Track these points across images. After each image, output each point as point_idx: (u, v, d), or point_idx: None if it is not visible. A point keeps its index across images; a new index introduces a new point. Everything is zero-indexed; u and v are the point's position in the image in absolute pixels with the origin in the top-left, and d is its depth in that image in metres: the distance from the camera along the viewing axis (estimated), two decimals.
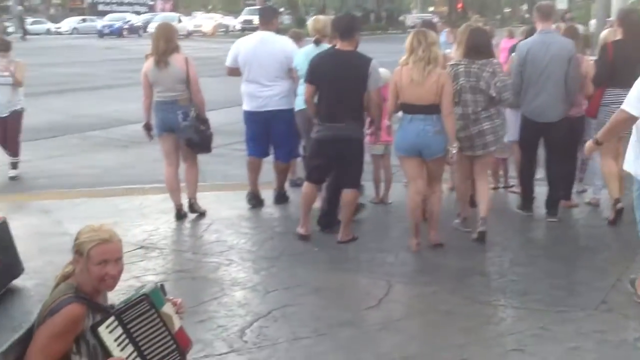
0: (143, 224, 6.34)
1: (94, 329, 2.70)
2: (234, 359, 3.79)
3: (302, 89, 6.51)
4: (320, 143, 5.78)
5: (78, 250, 2.76)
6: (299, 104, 6.75)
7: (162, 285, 3.15)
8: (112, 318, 2.78)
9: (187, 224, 6.37)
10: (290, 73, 6.91)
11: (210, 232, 6.12)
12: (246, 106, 7.00)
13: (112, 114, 13.29)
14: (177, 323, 3.02)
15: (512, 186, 7.36)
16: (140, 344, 2.84)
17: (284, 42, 7.05)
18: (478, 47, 5.86)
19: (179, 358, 2.92)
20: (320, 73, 5.73)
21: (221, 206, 6.98)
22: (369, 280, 5.00)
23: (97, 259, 2.73)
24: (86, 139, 11.27)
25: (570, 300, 4.62)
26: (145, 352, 2.84)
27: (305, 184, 6.05)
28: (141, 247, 5.67)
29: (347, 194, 5.79)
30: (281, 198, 7.22)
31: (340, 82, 5.62)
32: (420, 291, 4.81)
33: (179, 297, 4.47)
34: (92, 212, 6.70)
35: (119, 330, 2.80)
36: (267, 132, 6.98)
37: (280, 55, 6.84)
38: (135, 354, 2.82)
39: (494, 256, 5.56)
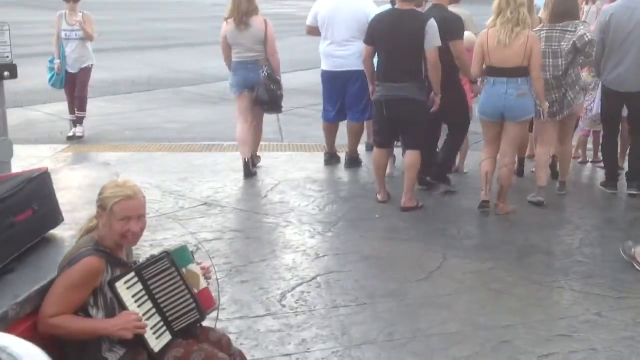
0: (212, 180, 6.42)
1: (111, 283, 2.73)
2: (268, 323, 3.76)
3: None
4: (379, 104, 5.75)
5: (101, 205, 2.77)
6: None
7: (188, 249, 3.14)
8: (132, 273, 2.81)
9: (253, 183, 6.40)
10: None
11: (274, 193, 6.12)
12: (323, 66, 6.96)
13: (208, 70, 13.49)
14: (202, 283, 3.02)
15: (600, 161, 6.94)
16: (159, 300, 2.85)
17: (365, 1, 6.89)
18: (562, 12, 5.54)
19: (197, 316, 2.91)
20: (376, 33, 5.72)
21: (292, 167, 6.98)
22: (423, 251, 4.85)
23: (120, 214, 2.72)
24: (178, 93, 11.53)
25: (636, 287, 4.31)
26: (164, 309, 2.86)
27: (374, 150, 6.01)
28: (204, 204, 5.74)
29: (408, 156, 5.74)
30: (353, 162, 7.16)
31: (395, 41, 5.58)
32: (475, 267, 4.61)
33: (229, 255, 4.63)
34: (164, 167, 6.86)
35: (139, 286, 2.82)
36: (343, 92, 6.91)
37: (359, 14, 6.72)
38: (153, 310, 2.84)
39: (564, 234, 5.26)
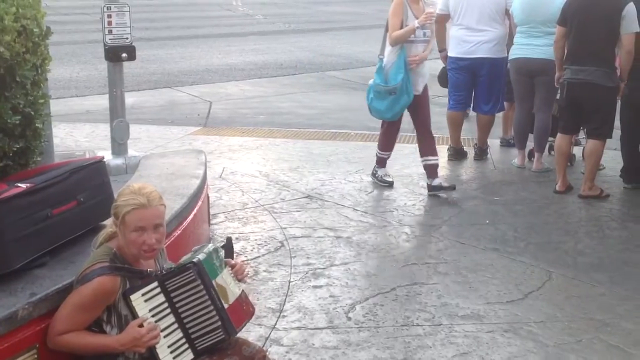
0: (322, 171, 6.21)
1: (125, 295, 2.54)
2: (326, 337, 3.46)
3: (519, 37, 6.19)
4: (566, 87, 5.50)
5: (115, 213, 2.54)
6: (515, 52, 6.19)
7: (226, 243, 2.90)
8: (154, 284, 2.60)
9: (364, 177, 6.09)
10: (505, 17, 6.29)
11: (383, 189, 5.79)
12: (452, 51, 6.48)
13: (359, 54, 13.29)
14: (233, 294, 2.77)
15: None
16: (183, 315, 2.63)
17: None
18: None
19: (222, 336, 2.65)
20: (570, 13, 5.44)
21: (412, 161, 6.60)
22: (527, 267, 4.30)
23: (133, 225, 2.49)
24: (322, 78, 11.43)
25: None
26: (187, 325, 2.63)
27: (558, 135, 5.76)
28: (307, 197, 5.54)
29: (588, 144, 5.58)
30: (481, 154, 6.67)
31: (588, 23, 5.32)
32: (582, 291, 4.01)
33: (312, 256, 4.39)
34: (281, 154, 6.75)
35: (161, 298, 2.60)
36: (472, 81, 6.43)
37: None
38: (175, 325, 2.62)
39: None
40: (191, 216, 3.76)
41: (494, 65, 6.30)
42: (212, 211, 5.11)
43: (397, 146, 7.10)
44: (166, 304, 2.62)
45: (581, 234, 4.89)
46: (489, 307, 3.80)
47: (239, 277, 2.85)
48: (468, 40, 6.32)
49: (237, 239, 4.60)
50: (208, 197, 4.37)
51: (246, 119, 8.60)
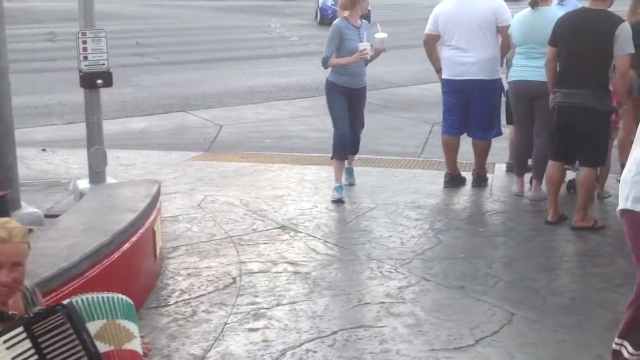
0: (306, 199, 5.99)
1: None
2: None
3: (517, 59, 5.88)
4: (556, 111, 5.19)
5: None
6: (514, 74, 5.86)
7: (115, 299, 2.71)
8: (19, 329, 2.44)
9: (347, 205, 5.84)
10: (498, 36, 6.00)
11: (363, 219, 5.53)
12: (444, 74, 6.21)
13: (384, 75, 13.02)
14: (114, 343, 2.56)
15: None
16: None
17: None
18: None
19: None
20: (560, 33, 5.13)
21: (405, 188, 6.35)
22: (489, 308, 3.97)
23: None
24: None
25: None
26: None
27: (550, 163, 5.40)
28: (280, 227, 5.32)
29: (581, 173, 5.26)
30: (480, 180, 6.35)
31: (579, 44, 5.01)
32: (541, 337, 3.65)
33: (261, 294, 4.17)
34: (272, 181, 6.58)
35: (27, 344, 2.44)
36: (466, 104, 6.12)
37: (485, 12, 5.94)
38: None
39: None
40: (117, 254, 3.60)
41: (486, 87, 5.99)
42: (175, 243, 4.96)
43: (390, 171, 6.91)
44: (33, 351, 2.45)
45: (560, 270, 4.53)
46: (431, 354, 3.50)
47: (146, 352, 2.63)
48: (458, 61, 6.04)
49: (188, 275, 4.42)
50: (153, 231, 4.21)
51: (252, 143, 8.46)
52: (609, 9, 5.14)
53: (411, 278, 4.41)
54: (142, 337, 2.56)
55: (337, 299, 4.14)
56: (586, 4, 5.30)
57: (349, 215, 5.62)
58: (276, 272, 4.50)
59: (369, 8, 6.15)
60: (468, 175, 6.48)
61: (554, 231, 5.20)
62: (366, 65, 6.08)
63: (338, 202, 5.85)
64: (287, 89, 12.09)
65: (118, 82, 12.10)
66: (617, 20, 5.00)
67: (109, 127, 8.99)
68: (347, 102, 6.05)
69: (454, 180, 6.40)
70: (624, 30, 4.94)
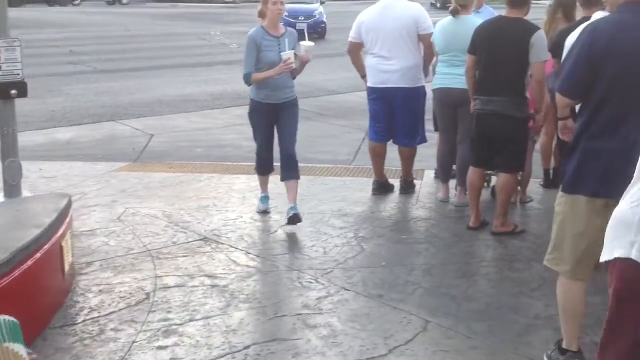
0: (231, 210, 5.89)
1: None
2: None
3: (440, 66, 5.93)
4: (475, 118, 5.24)
5: None
6: (437, 82, 5.89)
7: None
8: None
9: (273, 215, 5.77)
10: (420, 43, 6.02)
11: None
12: (368, 81, 6.21)
13: (321, 83, 13.03)
14: None
15: None
16: None
17: (412, 5, 6.13)
18: None
19: None
20: (478, 42, 5.17)
21: (334, 196, 6.32)
22: (405, 316, 3.94)
23: None
24: None
25: None
26: None
27: (470, 169, 5.41)
28: (202, 239, 5.21)
29: (500, 179, 5.34)
30: (407, 187, 6.36)
31: (496, 52, 5.05)
32: (453, 344, 3.63)
33: (174, 309, 4.05)
34: (199, 191, 6.47)
35: None
36: (390, 111, 6.13)
37: (406, 20, 5.95)
38: None
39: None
40: (17, 272, 3.45)
41: (409, 95, 6.00)
42: (89, 258, 4.81)
43: (321, 179, 6.88)
44: None
45: (478, 276, 4.54)
46: None
47: None
48: (381, 69, 6.04)
49: (100, 291, 4.28)
50: (61, 247, 4.06)
51: (182, 152, 8.32)
52: (525, 17, 5.21)
53: (330, 288, 4.36)
54: (30, 353, 2.45)
55: (253, 312, 4.06)
56: (503, 12, 5.37)
57: (273, 225, 5.55)
58: (192, 286, 4.39)
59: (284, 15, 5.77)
60: (397, 182, 6.48)
61: (475, 237, 5.22)
62: (294, 77, 5.64)
63: (263, 213, 5.76)
64: (223, 97, 11.97)
65: (48, 91, 11.90)
66: (532, 28, 5.07)
67: (35, 137, 8.79)
68: (272, 121, 5.56)
69: (381, 188, 6.39)
70: (539, 38, 5.01)
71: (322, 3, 22.99)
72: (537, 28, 5.12)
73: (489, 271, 4.64)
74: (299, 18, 20.37)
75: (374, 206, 6.11)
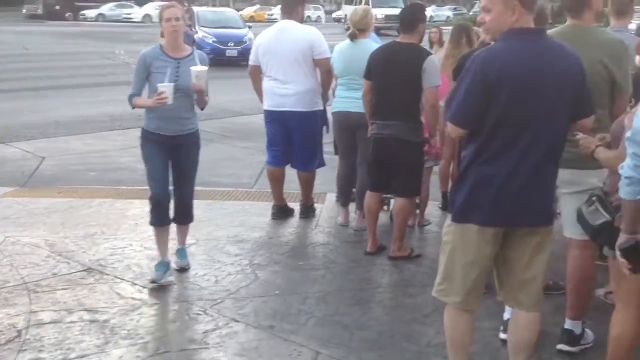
0: (120, 237, 5.59)
1: None
2: None
3: (339, 90, 5.86)
4: (372, 142, 5.19)
5: None
6: (336, 105, 5.81)
7: None
8: None
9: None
10: (315, 67, 5.93)
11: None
12: (265, 104, 6.06)
13: (225, 104, 12.79)
14: None
15: None
16: None
17: (307, 30, 6.07)
18: None
19: None
20: (373, 67, 5.13)
21: (232, 221, 6.12)
22: (295, 348, 3.78)
23: None
24: None
25: None
26: None
27: (367, 193, 5.32)
28: (86, 270, 4.89)
29: (396, 203, 5.29)
30: (307, 211, 6.23)
31: (390, 77, 5.02)
32: None
33: (46, 349, 3.72)
34: (87, 218, 6.12)
35: None
36: (287, 135, 5.99)
37: (302, 44, 5.84)
38: None
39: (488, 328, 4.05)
40: None
41: (305, 118, 5.89)
42: None
43: (220, 204, 6.66)
44: None
45: (373, 302, 4.44)
46: None
47: None
48: (277, 92, 5.92)
49: None
50: None
51: (75, 176, 7.92)
52: (418, 43, 5.21)
53: (219, 320, 4.14)
54: None
55: (134, 349, 3.79)
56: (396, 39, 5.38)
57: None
58: (70, 322, 4.08)
59: (190, 32, 5.44)
60: (297, 206, 6.35)
61: (372, 262, 5.13)
62: (202, 108, 4.79)
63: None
64: (122, 118, 11.52)
65: None
66: (424, 53, 5.10)
67: None
68: (166, 155, 4.71)
69: (281, 212, 6.24)
70: (431, 64, 5.02)
71: (250, 28, 22.21)
72: (429, 53, 5.17)
73: (383, 297, 4.54)
74: (229, 44, 19.79)
75: (272, 231, 5.94)
